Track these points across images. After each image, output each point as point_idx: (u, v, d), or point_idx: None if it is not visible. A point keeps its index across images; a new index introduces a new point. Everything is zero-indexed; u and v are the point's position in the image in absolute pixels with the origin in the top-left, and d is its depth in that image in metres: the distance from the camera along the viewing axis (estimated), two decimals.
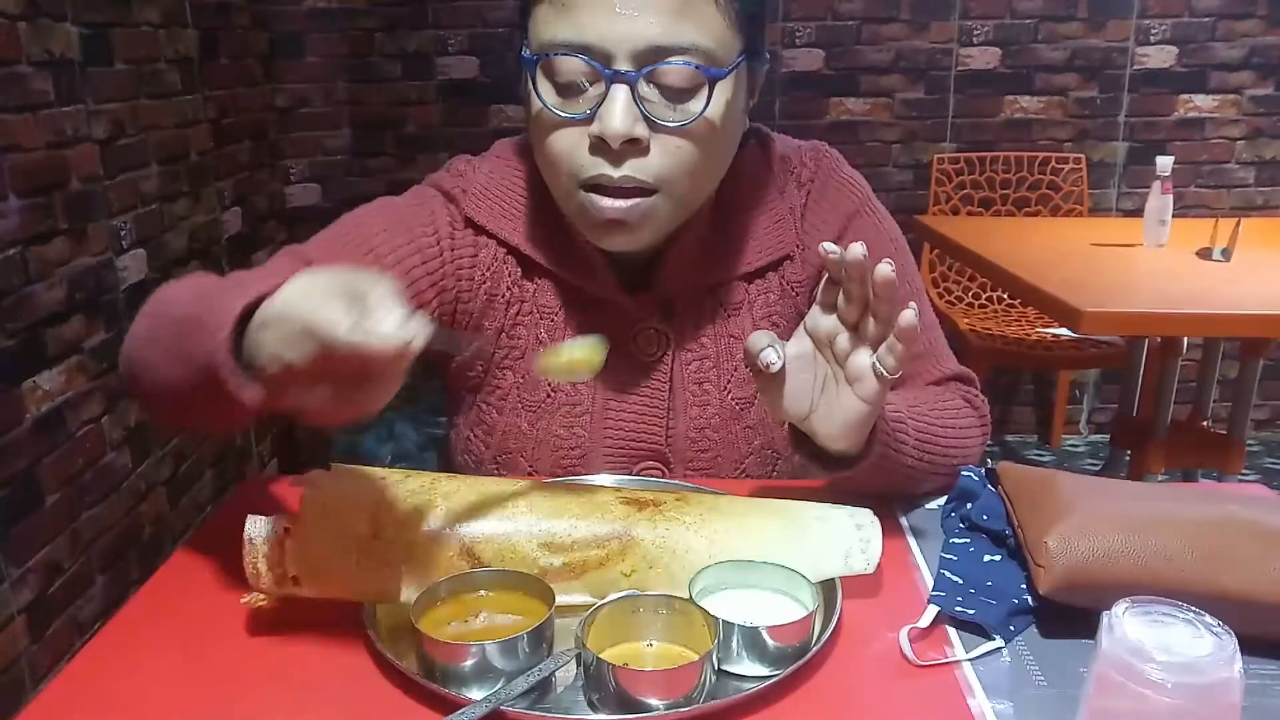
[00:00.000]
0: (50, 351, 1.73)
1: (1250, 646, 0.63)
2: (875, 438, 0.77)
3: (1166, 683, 0.46)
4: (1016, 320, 2.89)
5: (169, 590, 0.76)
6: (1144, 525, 0.67)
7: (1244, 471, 2.56)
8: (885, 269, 0.67)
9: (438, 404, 1.04)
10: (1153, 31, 2.96)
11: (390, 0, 2.88)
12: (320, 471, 0.71)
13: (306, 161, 2.90)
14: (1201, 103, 3.01)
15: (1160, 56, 2.98)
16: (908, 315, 0.67)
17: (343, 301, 0.55)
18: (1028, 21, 2.95)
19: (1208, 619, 0.48)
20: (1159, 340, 2.21)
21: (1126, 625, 0.48)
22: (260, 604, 0.69)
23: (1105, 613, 0.50)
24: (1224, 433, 2.21)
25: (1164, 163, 2.14)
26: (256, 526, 0.66)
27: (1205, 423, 2.30)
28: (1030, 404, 3.29)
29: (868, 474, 0.79)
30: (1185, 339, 2.15)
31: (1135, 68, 2.99)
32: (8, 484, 1.60)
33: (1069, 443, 3.25)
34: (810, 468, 0.81)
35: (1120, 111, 3.03)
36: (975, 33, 2.95)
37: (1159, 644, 0.47)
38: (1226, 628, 0.48)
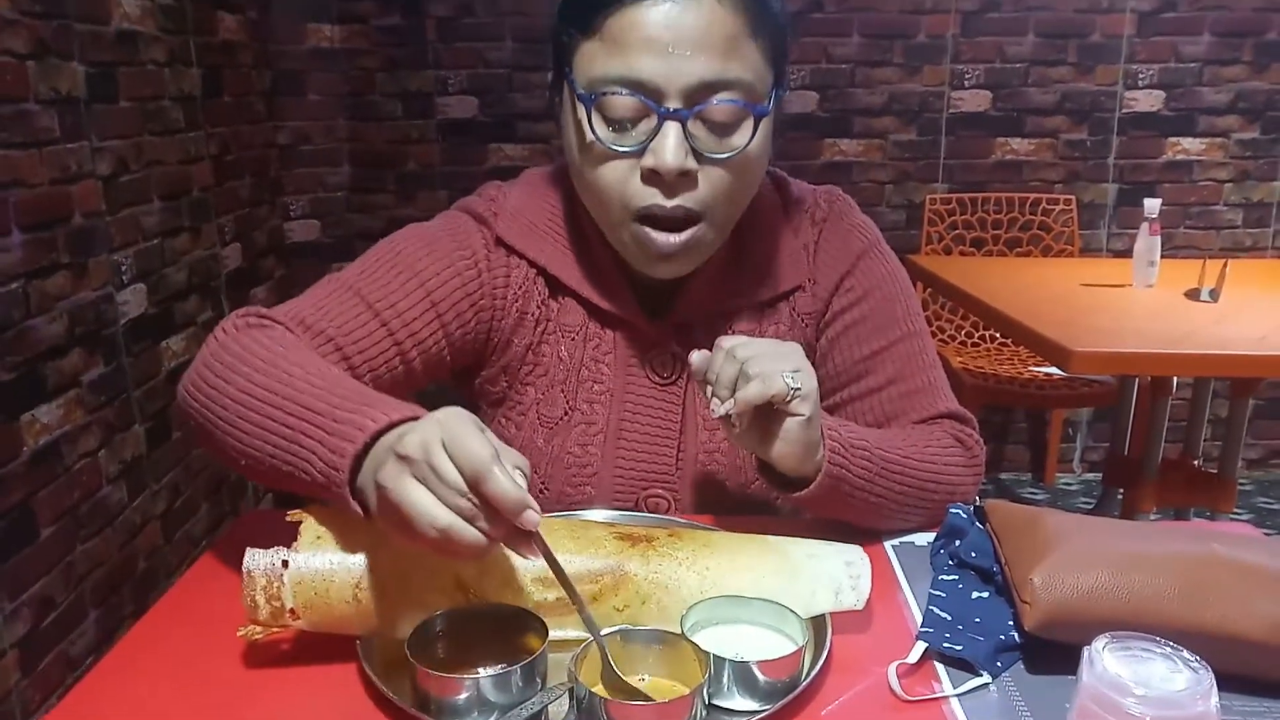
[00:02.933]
0: (49, 385, 1.74)
1: (1232, 683, 0.65)
2: (828, 459, 0.81)
3: (1145, 716, 0.47)
4: (1009, 359, 2.91)
5: (166, 623, 0.77)
6: (1127, 563, 0.68)
7: (1236, 510, 2.57)
8: (694, 358, 0.80)
9: None
10: (1140, 76, 3.01)
11: (391, 40, 2.93)
12: (318, 506, 0.72)
13: (307, 198, 2.93)
14: (1189, 146, 3.06)
15: (1148, 100, 3.03)
16: (714, 408, 0.77)
17: (490, 441, 0.61)
18: (1018, 65, 3.00)
19: (1185, 654, 0.49)
20: (1149, 379, 2.23)
21: (1106, 660, 0.49)
22: (257, 636, 0.70)
23: (1086, 648, 0.51)
24: (1215, 472, 2.22)
25: (1152, 205, 2.18)
26: (255, 559, 0.67)
27: (1196, 462, 2.32)
28: (1024, 442, 3.30)
29: (824, 494, 0.82)
30: (1175, 378, 2.17)
31: (1124, 111, 3.04)
32: (4, 517, 1.61)
33: (1063, 481, 3.26)
34: (773, 488, 0.86)
35: (1110, 154, 3.07)
36: (967, 76, 3.00)
37: (1137, 678, 0.48)
38: (1203, 662, 0.49)
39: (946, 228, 3.01)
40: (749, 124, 0.83)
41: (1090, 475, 3.27)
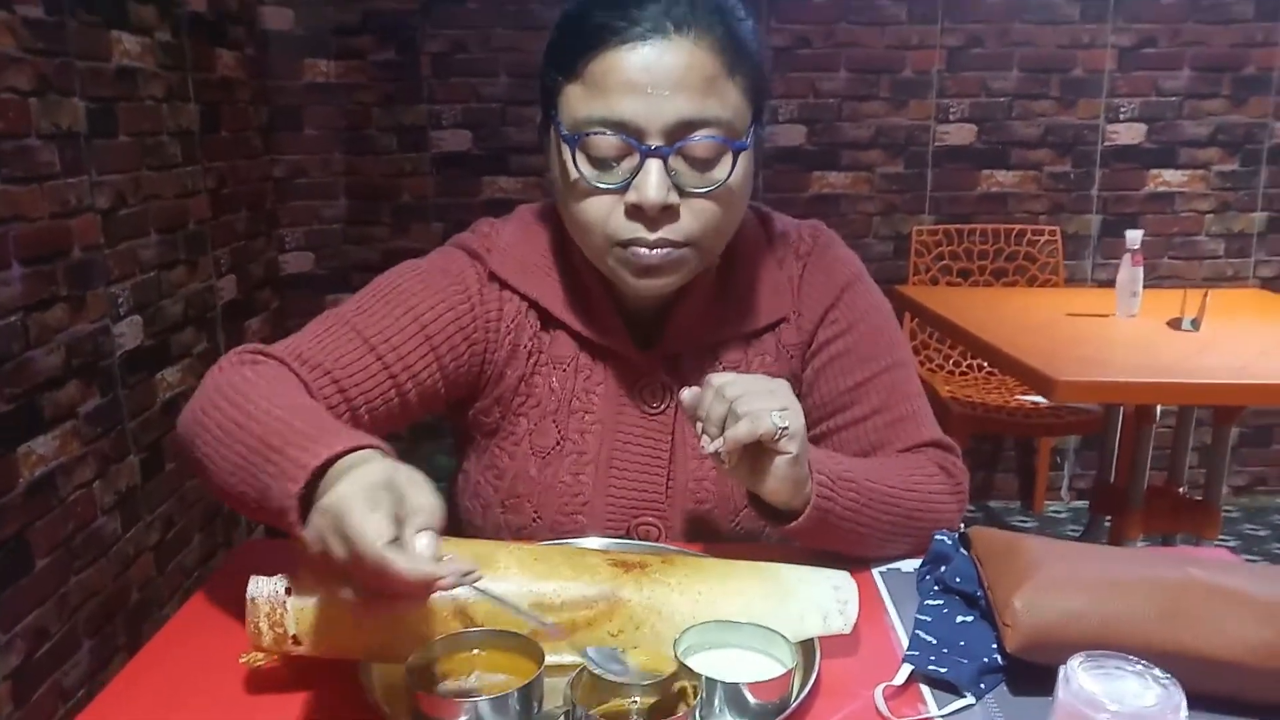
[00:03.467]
0: (46, 416, 1.76)
1: (1209, 704, 0.67)
2: (816, 492, 0.83)
3: None
4: (996, 388, 2.94)
5: (167, 652, 0.79)
6: (1106, 587, 0.71)
7: (1223, 537, 2.59)
8: (684, 395, 0.83)
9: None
10: (1122, 110, 3.07)
11: (387, 76, 2.98)
12: None
13: (302, 230, 2.96)
14: (1170, 178, 3.12)
15: (1130, 133, 3.09)
16: (704, 446, 0.80)
17: (386, 516, 0.61)
18: (1002, 100, 3.06)
19: (1156, 672, 0.52)
20: (1133, 408, 2.26)
21: (1081, 678, 0.52)
22: (259, 664, 0.72)
23: (1062, 666, 0.53)
24: (1200, 499, 2.24)
25: (1133, 236, 2.22)
26: (259, 586, 0.69)
27: (1181, 489, 2.34)
28: (1013, 470, 3.33)
29: (812, 526, 0.84)
30: (1159, 407, 2.20)
31: (1106, 144, 3.10)
32: (0, 547, 1.62)
33: (1051, 509, 3.28)
34: (763, 520, 0.88)
35: (1093, 186, 3.13)
36: (952, 110, 3.06)
37: (1110, 695, 0.50)
38: (1174, 680, 0.51)
39: (933, 259, 3.06)
40: (728, 159, 0.86)
41: (1079, 503, 3.29)
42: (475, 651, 0.70)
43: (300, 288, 2.94)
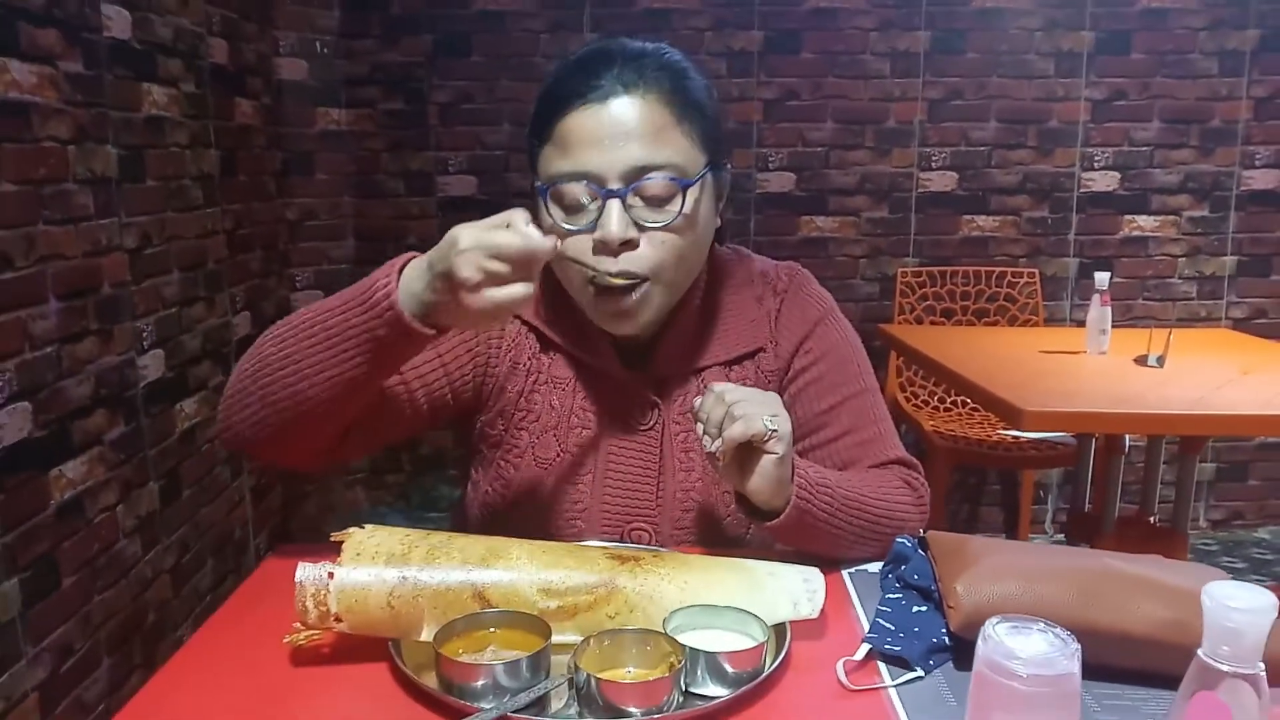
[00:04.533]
0: (75, 442, 1.87)
1: (1120, 675, 0.78)
2: (796, 494, 0.95)
3: (1024, 673, 0.60)
4: (979, 423, 3.06)
5: (219, 637, 0.89)
6: (1035, 574, 0.82)
7: None
8: (694, 401, 0.97)
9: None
10: (1096, 158, 3.23)
11: (396, 124, 3.13)
12: (356, 528, 0.85)
13: (312, 270, 3.10)
14: (1144, 223, 3.27)
15: (1104, 181, 3.24)
16: (705, 445, 0.93)
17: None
18: (982, 149, 3.22)
19: (1059, 630, 0.63)
20: (1103, 440, 2.38)
21: (997, 634, 0.63)
22: (301, 643, 0.83)
23: (982, 627, 0.64)
24: (1169, 526, 2.35)
25: (1101, 278, 2.35)
26: (306, 571, 0.80)
27: (1152, 518, 2.45)
28: (996, 504, 3.43)
29: (791, 525, 0.96)
30: (1127, 438, 2.32)
31: (1082, 190, 3.25)
32: (31, 566, 1.72)
33: (1035, 541, 3.38)
34: (747, 518, 1.00)
35: (1070, 230, 3.27)
36: (934, 158, 3.22)
37: (1019, 647, 0.61)
38: (1072, 635, 0.62)
39: (918, 299, 3.19)
40: (679, 196, 0.99)
41: (1061, 535, 3.39)
42: (491, 629, 0.80)
43: None
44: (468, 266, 0.81)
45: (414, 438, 1.14)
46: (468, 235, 0.82)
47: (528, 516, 1.09)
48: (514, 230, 0.82)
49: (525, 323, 1.11)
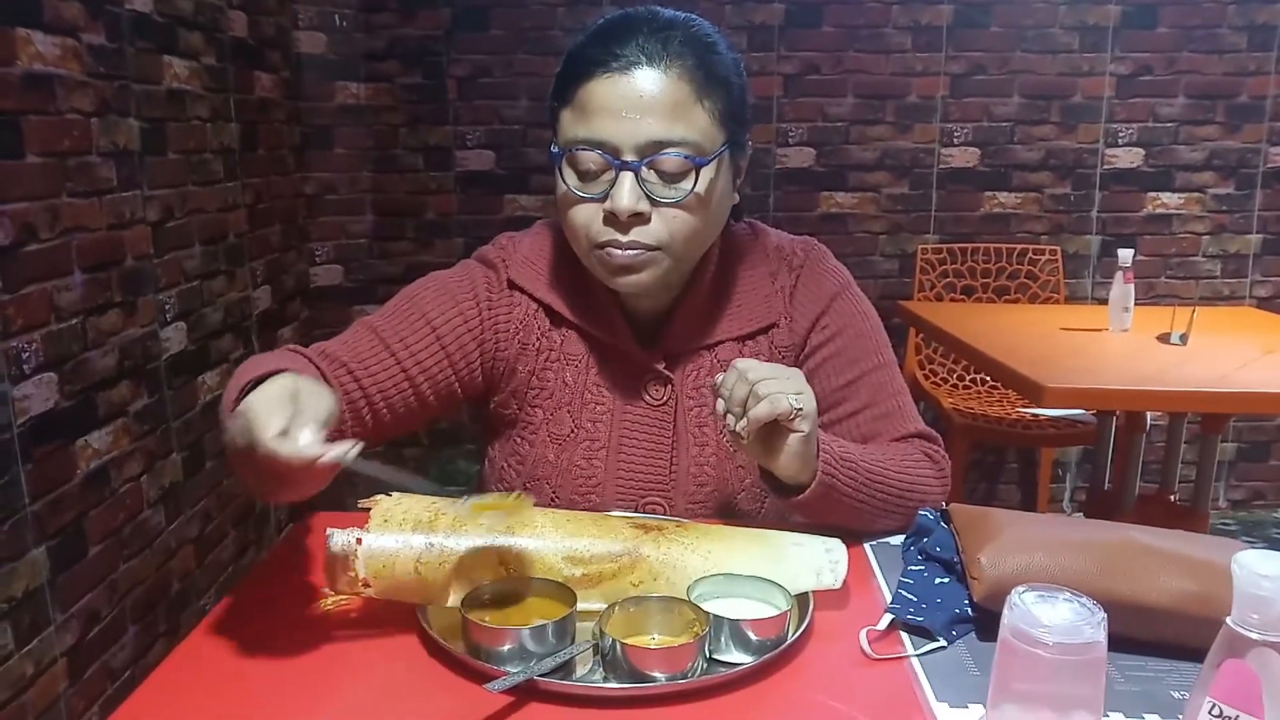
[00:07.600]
0: (100, 413, 1.89)
1: (1141, 646, 0.78)
2: (821, 469, 0.95)
3: (1050, 641, 0.60)
4: (998, 400, 3.05)
5: (249, 601, 0.90)
6: (1058, 546, 0.82)
7: None
8: (717, 377, 0.95)
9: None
10: (1120, 135, 3.19)
11: (414, 98, 3.13)
12: (384, 495, 0.86)
13: (332, 244, 3.10)
14: (1168, 200, 3.23)
15: (1128, 157, 3.21)
16: (730, 424, 0.92)
17: (283, 415, 0.74)
18: (1004, 124, 3.19)
19: (1084, 599, 0.63)
20: (1124, 417, 2.36)
21: (1023, 603, 0.63)
22: (330, 608, 0.84)
23: (1008, 595, 0.64)
24: (1190, 505, 2.34)
25: (1125, 255, 2.33)
26: (335, 538, 0.81)
27: (1172, 496, 2.44)
28: (1015, 482, 3.42)
29: (817, 500, 0.96)
30: (1149, 416, 2.30)
31: (1105, 167, 3.21)
32: (59, 534, 1.74)
33: None
34: (773, 494, 1.00)
35: (1093, 208, 3.24)
36: (955, 134, 3.19)
37: (1045, 615, 0.62)
38: (1097, 604, 0.62)
39: (938, 276, 3.17)
40: (693, 174, 0.98)
41: (1080, 514, 3.38)
42: (517, 595, 0.81)
43: (329, 299, 3.08)
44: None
45: None
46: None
47: (542, 492, 1.10)
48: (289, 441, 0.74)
49: (535, 300, 1.11)
